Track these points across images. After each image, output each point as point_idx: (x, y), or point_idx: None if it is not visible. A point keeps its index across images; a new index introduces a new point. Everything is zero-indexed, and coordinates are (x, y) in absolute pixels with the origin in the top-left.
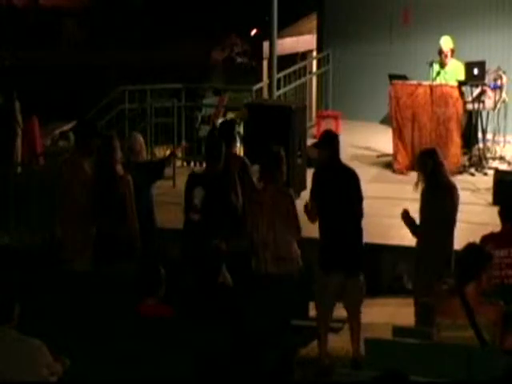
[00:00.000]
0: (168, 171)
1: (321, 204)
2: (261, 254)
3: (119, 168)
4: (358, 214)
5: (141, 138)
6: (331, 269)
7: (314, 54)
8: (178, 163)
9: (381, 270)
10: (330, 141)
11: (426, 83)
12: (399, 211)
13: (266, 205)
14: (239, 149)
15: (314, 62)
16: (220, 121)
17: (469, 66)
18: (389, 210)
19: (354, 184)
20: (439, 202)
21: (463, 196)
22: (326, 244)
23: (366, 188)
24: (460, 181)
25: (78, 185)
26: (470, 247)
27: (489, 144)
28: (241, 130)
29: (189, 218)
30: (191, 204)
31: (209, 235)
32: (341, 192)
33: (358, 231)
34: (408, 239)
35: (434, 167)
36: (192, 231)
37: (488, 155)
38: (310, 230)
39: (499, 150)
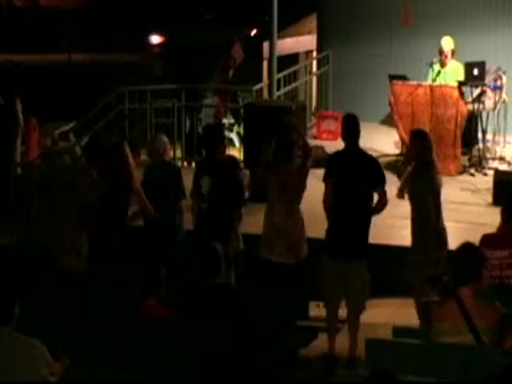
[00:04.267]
0: None
1: (339, 185)
2: (273, 241)
3: (134, 181)
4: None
5: (165, 139)
6: (338, 254)
7: (314, 54)
8: (178, 163)
9: (381, 270)
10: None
11: (426, 84)
12: (399, 211)
13: (284, 186)
14: (239, 149)
15: (314, 62)
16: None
17: (469, 67)
18: (389, 210)
19: (375, 168)
20: (431, 181)
21: (463, 196)
22: (334, 229)
23: None
24: (460, 181)
25: (84, 189)
26: (467, 248)
27: (489, 144)
28: (241, 130)
29: (200, 208)
30: (199, 193)
31: (211, 234)
32: (361, 175)
33: (368, 220)
34: (408, 239)
35: (429, 148)
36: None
37: (488, 155)
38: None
39: (499, 151)
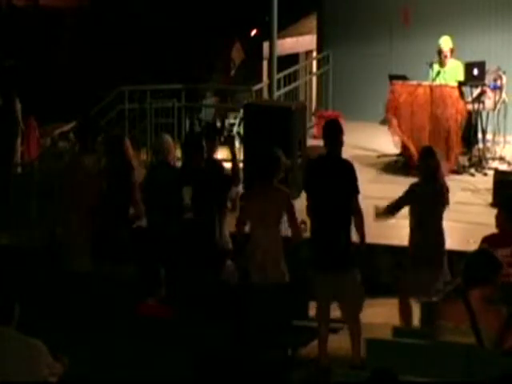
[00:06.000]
0: None
1: (315, 198)
2: (258, 259)
3: (133, 171)
4: (352, 208)
5: (169, 139)
6: (324, 267)
7: (314, 54)
8: (178, 163)
9: (380, 270)
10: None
11: (426, 83)
12: (399, 212)
13: (262, 206)
14: (239, 149)
15: (314, 62)
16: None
17: (469, 67)
18: None
19: (350, 176)
20: (438, 201)
21: (463, 196)
22: (317, 241)
23: (367, 188)
24: (460, 181)
25: (79, 182)
26: (482, 252)
27: (489, 144)
28: (241, 130)
29: (182, 219)
30: (182, 204)
31: (207, 233)
32: (337, 185)
33: (349, 227)
34: (407, 239)
35: (436, 167)
36: (189, 230)
37: (488, 155)
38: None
39: (499, 151)
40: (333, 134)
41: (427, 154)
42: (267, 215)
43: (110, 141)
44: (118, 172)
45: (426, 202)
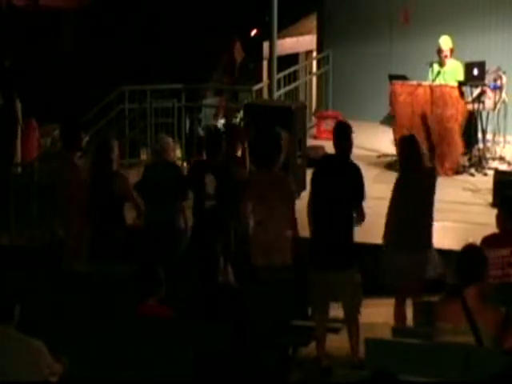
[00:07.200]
0: None
1: (318, 198)
2: (261, 241)
3: (115, 166)
4: (357, 211)
5: (167, 139)
6: (323, 266)
7: (314, 54)
8: (178, 163)
9: (381, 270)
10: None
11: (426, 83)
12: None
13: (262, 190)
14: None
15: (314, 62)
16: (221, 121)
17: (468, 67)
18: None
19: (357, 180)
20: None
21: (463, 196)
22: (316, 240)
23: (367, 188)
24: (460, 181)
25: (72, 181)
26: (470, 248)
27: (489, 144)
28: None
29: (198, 208)
30: (204, 192)
31: (211, 234)
32: (341, 186)
33: (350, 228)
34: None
35: (417, 152)
36: (199, 226)
37: (488, 155)
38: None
39: (499, 151)
40: (343, 135)
41: (406, 140)
42: (268, 197)
43: (98, 145)
44: (105, 175)
45: (413, 191)
